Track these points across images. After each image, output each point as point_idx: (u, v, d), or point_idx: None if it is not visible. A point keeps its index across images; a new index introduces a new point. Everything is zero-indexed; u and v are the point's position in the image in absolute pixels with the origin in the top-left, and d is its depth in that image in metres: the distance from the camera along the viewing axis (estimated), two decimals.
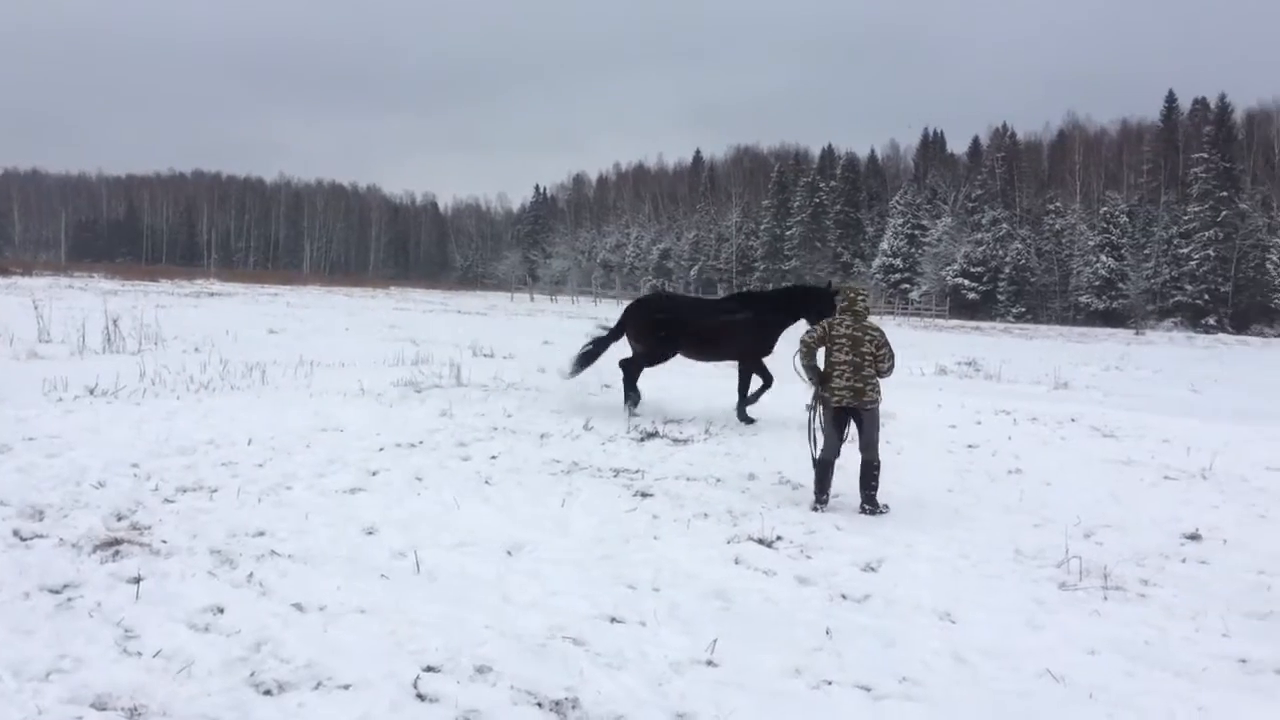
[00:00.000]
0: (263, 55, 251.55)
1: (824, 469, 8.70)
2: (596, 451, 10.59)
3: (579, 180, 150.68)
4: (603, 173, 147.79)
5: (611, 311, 56.34)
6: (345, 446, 9.99)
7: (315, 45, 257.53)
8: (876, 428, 8.71)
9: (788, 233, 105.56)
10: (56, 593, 5.49)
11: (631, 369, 13.67)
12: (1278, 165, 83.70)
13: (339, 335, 24.77)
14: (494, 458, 9.95)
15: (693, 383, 16.37)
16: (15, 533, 6.49)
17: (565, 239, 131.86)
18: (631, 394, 13.49)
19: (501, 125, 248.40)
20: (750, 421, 12.94)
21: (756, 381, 13.35)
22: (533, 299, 77.70)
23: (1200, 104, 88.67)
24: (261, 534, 6.88)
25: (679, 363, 14.20)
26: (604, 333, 13.95)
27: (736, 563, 6.93)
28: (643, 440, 11.35)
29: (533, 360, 19.00)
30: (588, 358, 13.79)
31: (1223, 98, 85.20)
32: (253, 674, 4.66)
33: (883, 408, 8.90)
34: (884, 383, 8.85)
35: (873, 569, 6.99)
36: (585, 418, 12.41)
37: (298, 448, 9.75)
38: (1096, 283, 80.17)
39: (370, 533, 7.10)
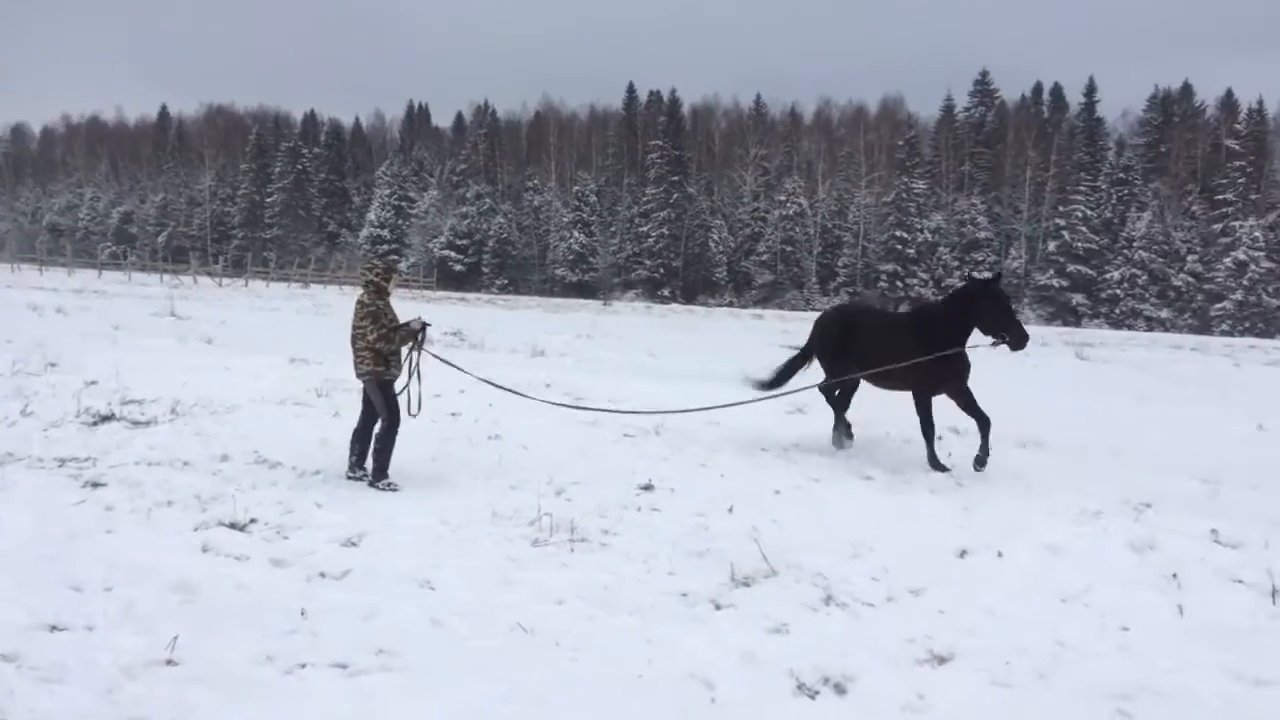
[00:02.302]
0: None
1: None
2: (37, 439, 9.31)
3: (19, 132, 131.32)
4: (48, 125, 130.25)
5: (59, 281, 49.97)
6: None
7: None
8: (375, 400, 8.76)
9: (269, 200, 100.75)
10: None
11: (826, 392, 11.66)
12: (717, 154, 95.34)
13: None
14: None
15: (155, 359, 15.06)
16: None
17: (3, 199, 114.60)
18: (839, 425, 11.41)
19: None
20: (942, 469, 10.16)
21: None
22: None
23: (655, 96, 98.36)
24: None
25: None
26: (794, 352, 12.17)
27: (204, 551, 6.47)
28: (95, 424, 10.18)
29: None
30: (781, 377, 11.84)
31: (673, 92, 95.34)
32: None
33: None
34: None
35: (354, 543, 6.89)
36: (23, 402, 10.87)
37: None
38: (570, 257, 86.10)
39: None
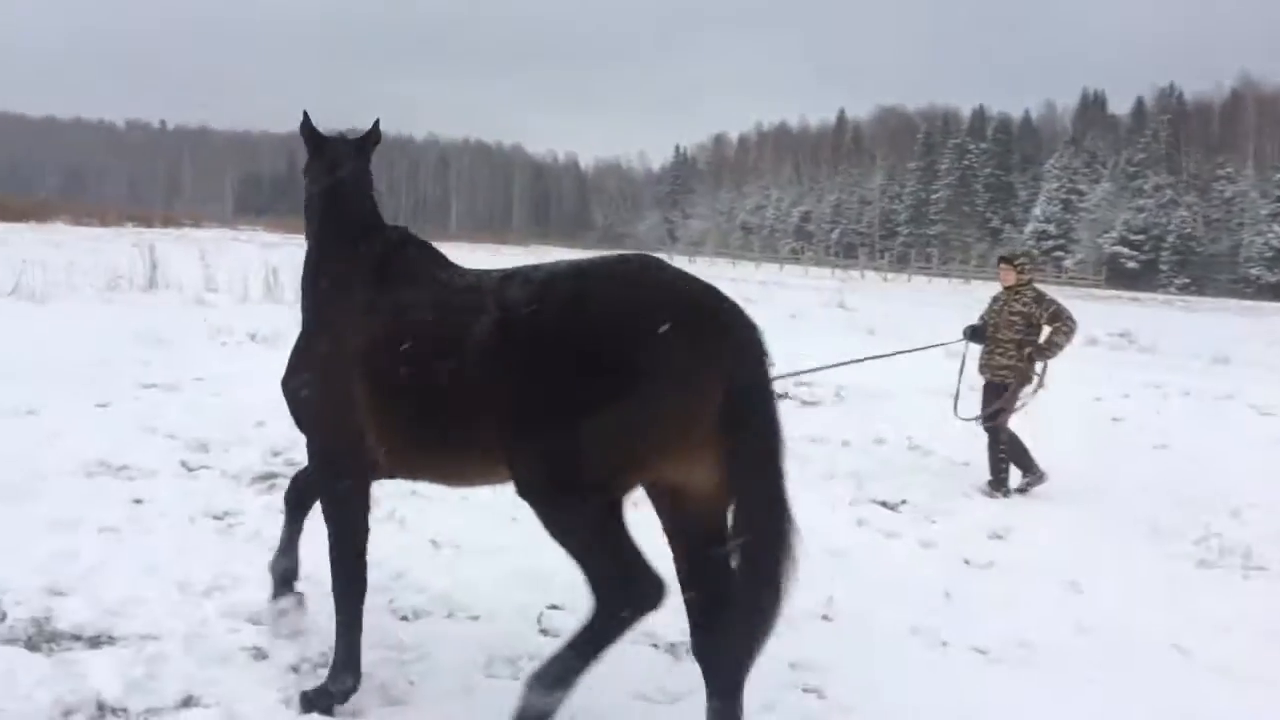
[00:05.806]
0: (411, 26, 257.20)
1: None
2: None
3: (719, 140, 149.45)
4: (743, 133, 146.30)
5: (747, 274, 55.90)
6: None
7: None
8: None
9: (933, 196, 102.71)
10: (219, 519, 5.92)
11: None
12: None
13: None
14: None
15: None
16: (183, 463, 7.02)
17: (705, 200, 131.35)
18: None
19: (638, 84, 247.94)
20: None
21: None
22: (671, 259, 77.65)
23: None
24: None
25: None
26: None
27: (859, 524, 7.00)
28: None
29: None
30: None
31: None
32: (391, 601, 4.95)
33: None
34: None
35: (1000, 536, 6.97)
36: None
37: None
38: (1269, 254, 75.32)
39: None
